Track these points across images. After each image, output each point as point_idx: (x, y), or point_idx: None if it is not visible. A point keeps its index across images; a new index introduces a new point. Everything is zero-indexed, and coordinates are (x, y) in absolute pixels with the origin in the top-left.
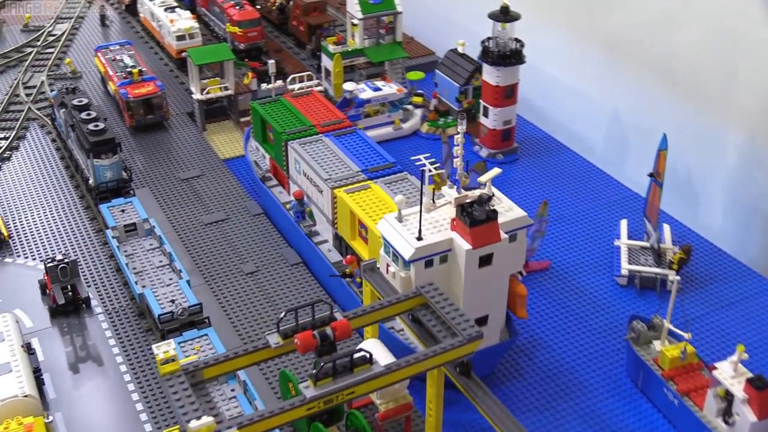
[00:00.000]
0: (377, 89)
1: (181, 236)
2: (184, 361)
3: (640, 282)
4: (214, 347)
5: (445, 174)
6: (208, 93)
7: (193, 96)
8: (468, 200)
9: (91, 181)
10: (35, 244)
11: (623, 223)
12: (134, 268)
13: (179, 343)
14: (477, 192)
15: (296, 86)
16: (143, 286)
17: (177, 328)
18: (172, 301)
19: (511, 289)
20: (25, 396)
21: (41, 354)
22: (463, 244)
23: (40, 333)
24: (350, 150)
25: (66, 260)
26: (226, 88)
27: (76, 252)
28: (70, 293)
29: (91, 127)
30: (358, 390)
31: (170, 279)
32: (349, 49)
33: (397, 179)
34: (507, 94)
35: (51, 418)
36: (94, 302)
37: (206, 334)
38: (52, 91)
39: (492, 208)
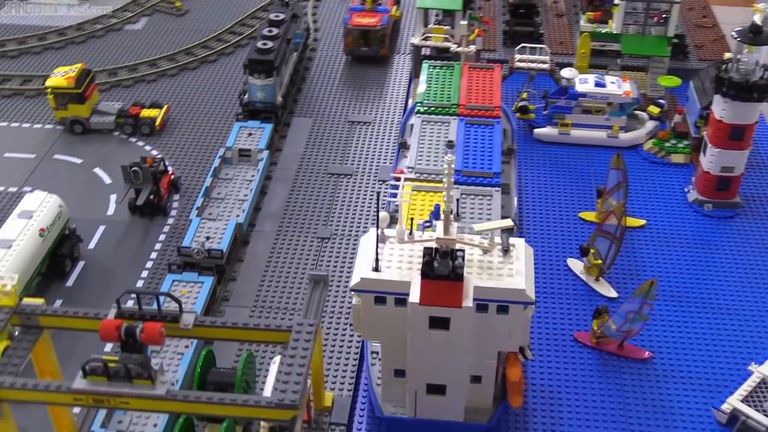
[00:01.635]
0: (601, 84)
1: (294, 179)
2: (32, 301)
3: (742, 428)
4: (197, 298)
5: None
6: (426, 39)
7: (412, 39)
8: (442, 246)
9: (245, 97)
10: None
11: None
12: (217, 194)
13: (173, 281)
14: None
15: (518, 57)
16: (199, 215)
17: (193, 265)
18: (207, 238)
19: (506, 370)
20: None
21: (95, 241)
22: (413, 295)
23: (111, 222)
24: (466, 144)
25: (140, 165)
26: (447, 39)
27: (187, 162)
28: (151, 197)
29: (259, 44)
30: (133, 403)
31: (229, 215)
32: (602, 31)
33: (481, 193)
34: (733, 135)
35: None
36: (173, 213)
37: (202, 282)
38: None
39: (460, 265)
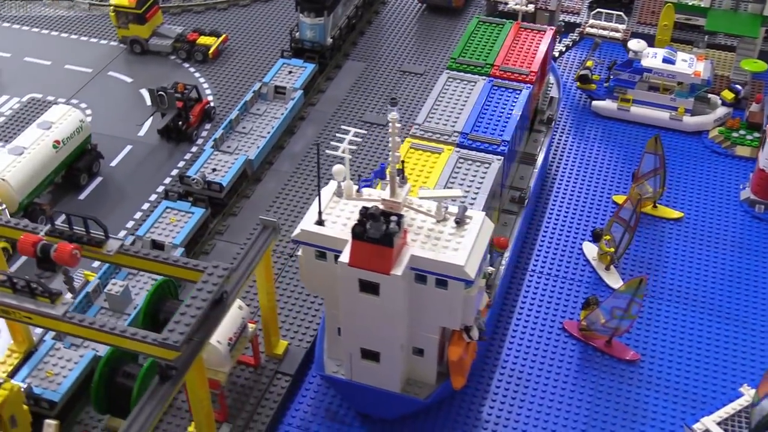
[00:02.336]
0: (669, 61)
1: (326, 123)
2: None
3: None
4: (183, 228)
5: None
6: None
7: None
8: (378, 209)
9: (296, 35)
10: (218, 75)
11: None
12: (242, 128)
13: (166, 207)
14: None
15: (590, 22)
16: (214, 146)
17: (190, 195)
18: (213, 170)
19: (448, 349)
20: (3, 179)
21: (118, 159)
22: (344, 255)
23: (139, 143)
24: (482, 108)
25: (166, 90)
26: None
27: (230, 93)
28: (180, 124)
29: None
30: (35, 319)
31: (246, 150)
32: (689, 3)
33: (480, 159)
34: None
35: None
36: (199, 142)
37: (192, 213)
38: None
39: (393, 230)
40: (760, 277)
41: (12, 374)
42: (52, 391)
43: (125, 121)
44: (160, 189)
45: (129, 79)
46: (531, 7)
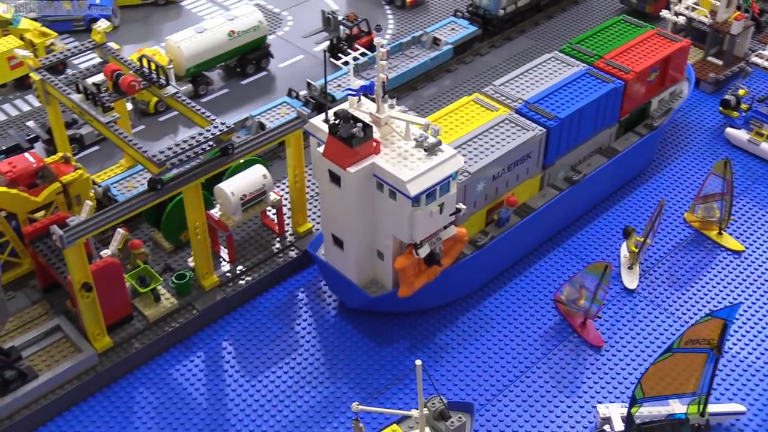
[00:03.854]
0: None
1: (468, 77)
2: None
3: None
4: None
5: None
6: (688, 9)
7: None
8: (350, 114)
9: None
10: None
11: None
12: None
13: (283, 102)
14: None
15: (758, 52)
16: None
17: (309, 100)
18: (339, 86)
19: (396, 258)
20: (178, 46)
21: (287, 63)
22: (321, 147)
23: (307, 55)
24: (562, 88)
25: (334, 14)
26: (712, 12)
27: (399, 36)
28: (342, 45)
29: None
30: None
31: (370, 77)
32: None
33: (524, 126)
34: None
35: None
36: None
37: None
38: None
39: (358, 135)
40: None
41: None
42: (122, 195)
43: (309, 37)
44: (304, 92)
45: (336, 7)
46: (682, 19)
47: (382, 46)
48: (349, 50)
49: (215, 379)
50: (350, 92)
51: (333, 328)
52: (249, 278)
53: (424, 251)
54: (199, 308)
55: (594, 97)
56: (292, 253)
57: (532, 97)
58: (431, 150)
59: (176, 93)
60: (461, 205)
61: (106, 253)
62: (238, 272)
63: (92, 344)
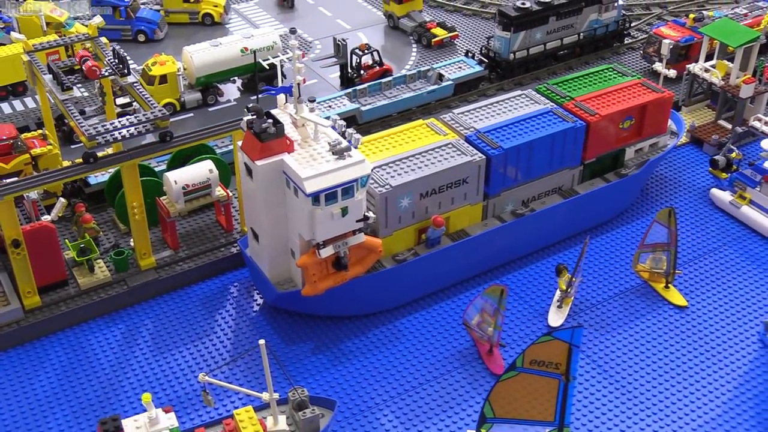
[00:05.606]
0: None
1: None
2: None
3: None
4: None
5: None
6: (703, 70)
7: (690, 66)
8: (263, 110)
9: (490, 42)
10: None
11: None
12: (388, 92)
13: None
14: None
15: (758, 116)
16: (350, 94)
17: None
18: (329, 107)
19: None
20: (191, 55)
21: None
22: (241, 141)
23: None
24: (519, 122)
25: (343, 41)
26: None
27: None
28: (350, 73)
29: (518, 2)
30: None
31: (362, 102)
32: None
33: (465, 151)
34: None
35: None
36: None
37: None
38: None
39: (269, 132)
40: None
41: None
42: (94, 177)
43: (318, 61)
44: None
45: (365, 39)
46: (673, 72)
47: (298, 49)
48: (357, 79)
49: (126, 351)
50: (269, 91)
51: (250, 323)
52: (186, 266)
53: (326, 252)
54: (129, 284)
55: (546, 133)
56: (234, 250)
57: (485, 127)
58: (339, 153)
59: (135, 82)
60: (370, 213)
61: (46, 218)
62: (177, 259)
63: (21, 300)
